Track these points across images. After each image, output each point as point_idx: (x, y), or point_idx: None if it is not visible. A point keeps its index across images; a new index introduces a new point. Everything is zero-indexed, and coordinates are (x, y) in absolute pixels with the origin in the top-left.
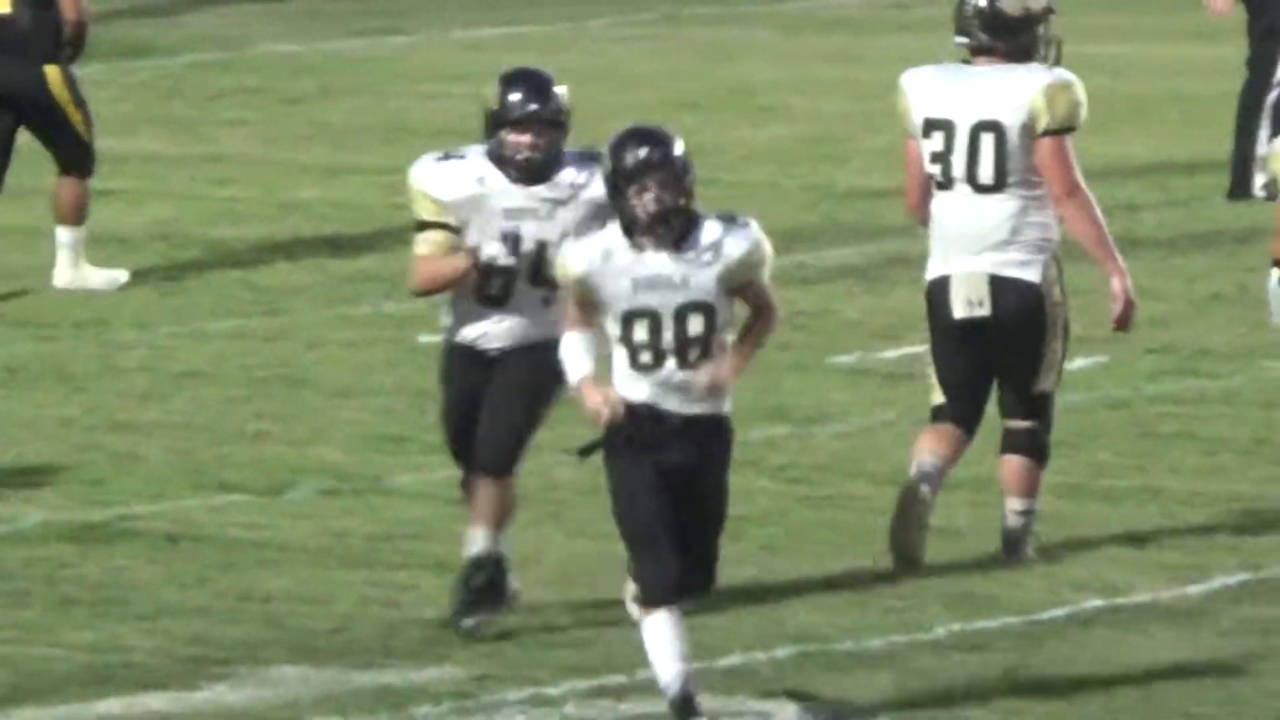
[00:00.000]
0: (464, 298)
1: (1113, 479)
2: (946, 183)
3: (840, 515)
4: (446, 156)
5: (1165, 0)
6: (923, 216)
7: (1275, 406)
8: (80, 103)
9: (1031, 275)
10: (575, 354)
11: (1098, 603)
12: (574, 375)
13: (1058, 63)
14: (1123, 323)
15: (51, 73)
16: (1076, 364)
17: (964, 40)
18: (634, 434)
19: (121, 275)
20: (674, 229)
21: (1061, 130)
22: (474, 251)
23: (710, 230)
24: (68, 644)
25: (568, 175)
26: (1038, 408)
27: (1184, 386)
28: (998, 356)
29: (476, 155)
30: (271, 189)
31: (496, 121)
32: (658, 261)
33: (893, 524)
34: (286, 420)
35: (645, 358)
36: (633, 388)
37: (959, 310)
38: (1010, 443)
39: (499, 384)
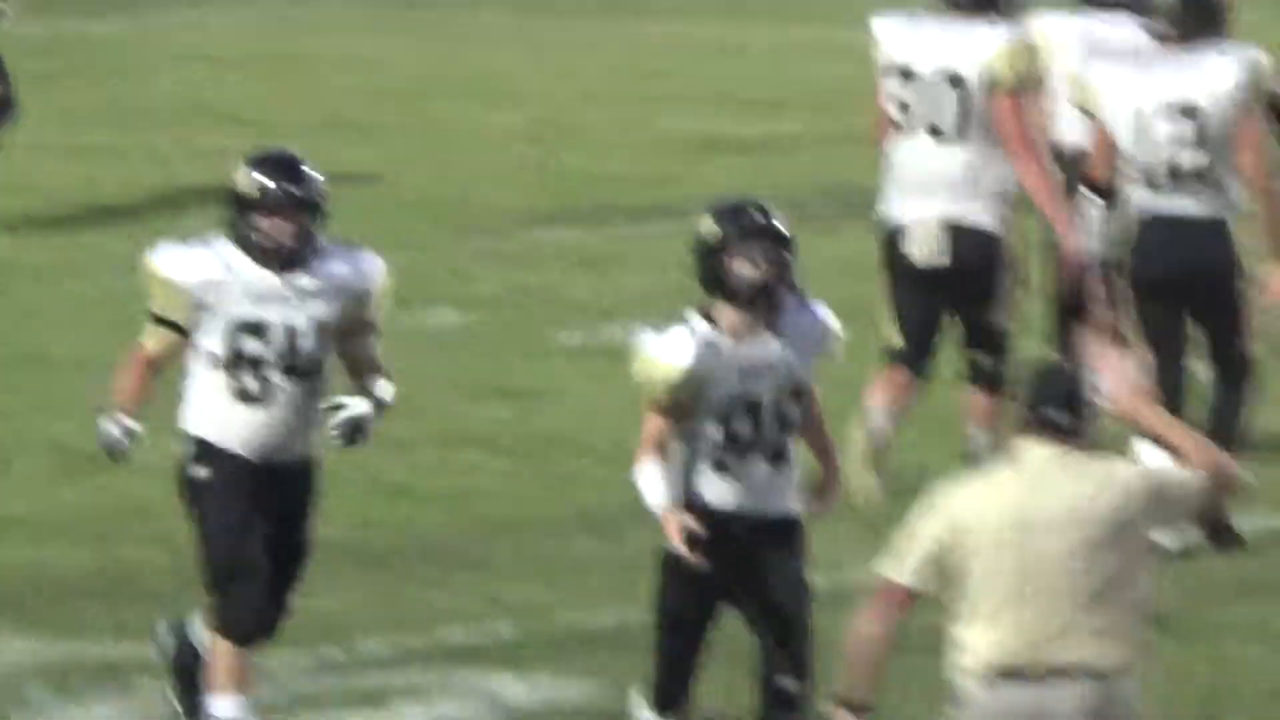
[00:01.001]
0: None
1: None
2: (908, 128)
3: (565, 492)
4: (189, 243)
5: None
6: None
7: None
8: None
9: (989, 223)
10: (656, 480)
11: None
12: (657, 502)
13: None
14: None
15: None
16: None
17: None
18: (700, 555)
19: None
20: (771, 307)
21: (1019, 88)
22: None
23: (799, 310)
24: None
25: (327, 263)
26: (995, 343)
27: None
28: (956, 299)
29: (221, 242)
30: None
31: (246, 205)
32: (759, 345)
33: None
34: (12, 394)
35: (731, 457)
36: (713, 491)
37: (918, 257)
38: (973, 375)
39: (283, 540)
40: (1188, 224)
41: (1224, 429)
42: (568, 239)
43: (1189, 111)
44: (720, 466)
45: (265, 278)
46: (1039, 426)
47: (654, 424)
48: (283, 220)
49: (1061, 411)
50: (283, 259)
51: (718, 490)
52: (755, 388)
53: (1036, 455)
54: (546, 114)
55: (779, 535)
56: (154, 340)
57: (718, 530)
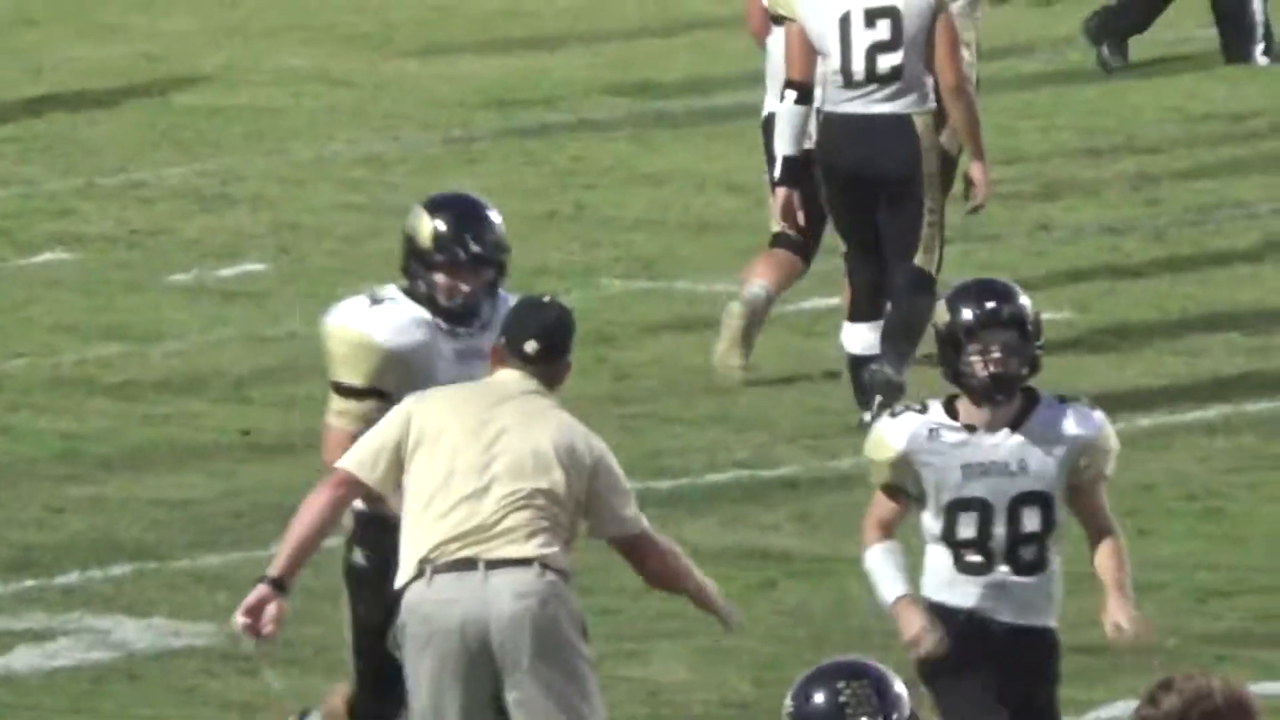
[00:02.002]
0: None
1: None
2: (779, 20)
3: (177, 433)
4: (375, 300)
5: None
6: (761, 42)
7: (613, 324)
8: None
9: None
10: (886, 567)
11: None
12: (889, 593)
13: None
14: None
15: None
16: None
17: None
18: (958, 651)
19: None
20: (1010, 401)
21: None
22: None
23: (1050, 409)
24: None
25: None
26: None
27: None
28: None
29: (400, 296)
30: None
31: (428, 262)
32: (991, 443)
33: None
34: None
35: (972, 557)
36: (958, 592)
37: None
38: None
39: None
40: (872, 121)
41: (903, 337)
42: (177, 177)
43: (886, 13)
44: (959, 565)
45: (456, 335)
46: (512, 356)
47: (879, 505)
48: (468, 278)
49: (534, 344)
50: (460, 318)
51: (956, 590)
52: (979, 489)
53: (505, 379)
54: (154, 49)
55: (1027, 648)
56: (352, 421)
57: (966, 629)
